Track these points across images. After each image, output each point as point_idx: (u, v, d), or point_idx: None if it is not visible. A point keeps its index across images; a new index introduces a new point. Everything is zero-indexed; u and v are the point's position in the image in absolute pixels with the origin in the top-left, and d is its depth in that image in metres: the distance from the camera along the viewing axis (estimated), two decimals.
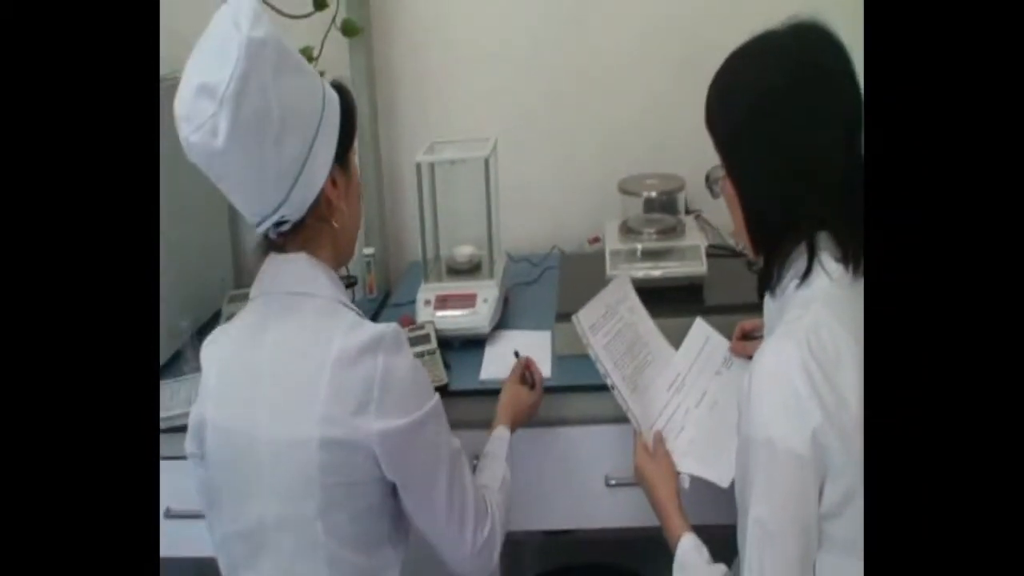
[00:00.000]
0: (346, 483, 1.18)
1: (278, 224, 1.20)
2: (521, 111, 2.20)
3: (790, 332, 1.13)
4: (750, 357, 1.35)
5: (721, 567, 1.23)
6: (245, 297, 1.96)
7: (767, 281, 1.22)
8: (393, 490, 1.23)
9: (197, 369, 1.79)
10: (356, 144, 1.29)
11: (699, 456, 1.39)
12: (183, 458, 1.63)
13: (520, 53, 2.18)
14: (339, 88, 1.24)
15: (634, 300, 1.61)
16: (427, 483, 1.21)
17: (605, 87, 2.18)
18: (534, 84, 2.19)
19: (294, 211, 1.19)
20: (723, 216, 2.00)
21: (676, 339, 1.58)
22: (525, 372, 1.59)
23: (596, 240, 2.10)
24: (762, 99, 1.16)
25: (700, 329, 1.58)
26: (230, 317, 1.91)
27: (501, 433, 1.47)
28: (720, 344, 1.57)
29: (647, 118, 2.17)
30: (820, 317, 1.13)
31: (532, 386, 1.58)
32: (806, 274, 1.16)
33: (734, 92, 1.21)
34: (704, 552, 1.26)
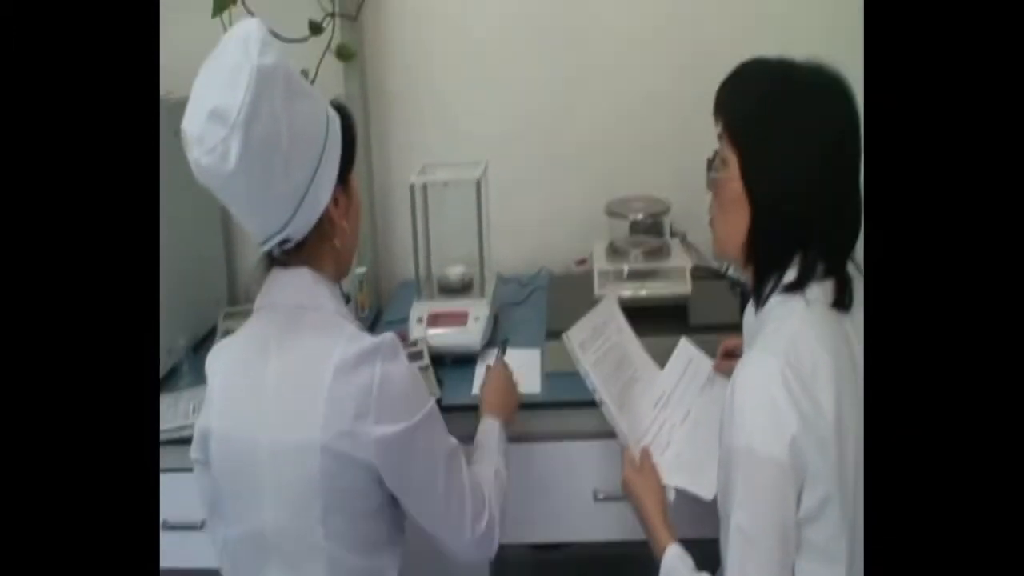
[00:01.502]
0: (346, 488, 1.22)
1: (282, 242, 1.24)
2: (509, 136, 2.25)
3: (769, 345, 1.19)
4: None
5: (705, 574, 1.28)
6: (241, 314, 2.01)
7: (759, 292, 1.26)
8: (392, 495, 1.27)
9: (193, 384, 1.84)
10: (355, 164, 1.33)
11: (684, 470, 1.44)
12: (180, 471, 1.67)
13: (509, 78, 2.23)
14: (340, 108, 1.29)
15: (621, 321, 1.66)
16: (425, 487, 1.26)
17: (592, 113, 2.24)
18: (522, 109, 2.24)
19: (298, 230, 1.23)
20: (707, 238, 2.08)
21: (661, 358, 1.63)
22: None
23: (583, 262, 2.15)
24: (804, 118, 1.20)
25: (684, 349, 1.63)
26: (226, 333, 1.95)
27: (490, 424, 1.49)
28: (704, 363, 1.62)
29: (633, 144, 2.23)
30: (798, 331, 1.19)
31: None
32: (794, 286, 1.21)
33: (775, 102, 1.22)
34: (689, 561, 1.30)
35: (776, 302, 1.23)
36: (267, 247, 1.25)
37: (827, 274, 1.23)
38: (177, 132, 1.32)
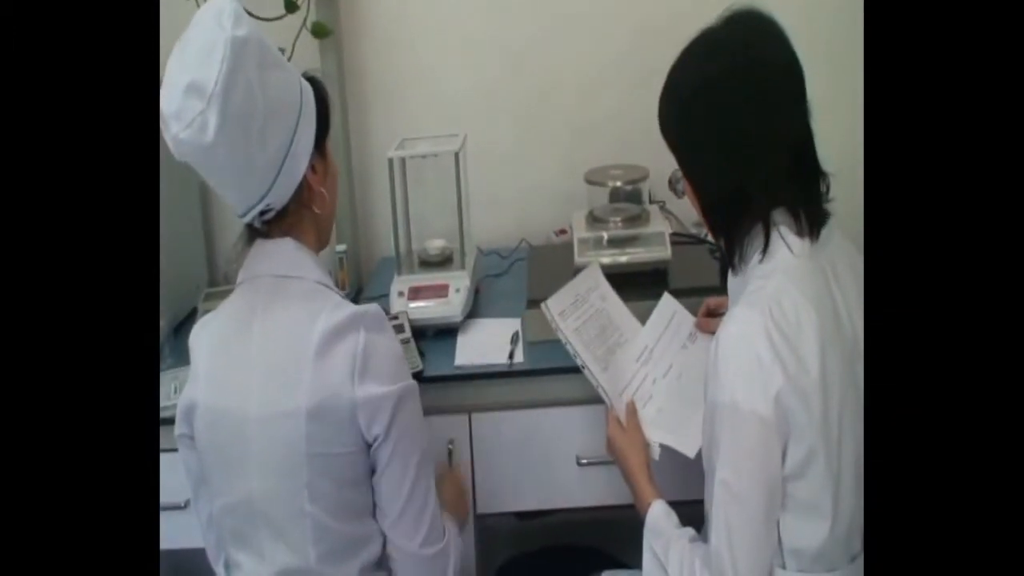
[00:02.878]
0: (331, 454, 1.23)
1: (263, 212, 1.25)
2: (486, 110, 2.24)
3: (753, 301, 1.19)
4: (714, 333, 1.42)
5: (689, 530, 1.29)
6: (221, 295, 2.00)
7: (730, 261, 1.28)
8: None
9: (174, 365, 1.83)
10: (331, 132, 1.34)
11: (667, 426, 1.45)
12: (163, 451, 1.67)
13: (485, 52, 2.23)
14: (311, 80, 1.30)
15: (605, 288, 1.67)
16: (403, 456, 1.26)
17: (569, 83, 2.24)
18: (499, 82, 2.24)
19: (278, 199, 1.24)
20: (685, 206, 2.09)
21: (643, 321, 1.63)
22: None
23: (563, 232, 2.16)
24: (699, 93, 1.22)
25: (667, 304, 1.64)
26: (205, 313, 1.95)
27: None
28: (686, 319, 1.62)
29: (610, 114, 2.22)
30: (781, 286, 1.19)
31: None
32: (765, 249, 1.22)
33: (676, 91, 1.26)
34: (674, 517, 1.32)
35: (757, 260, 1.24)
36: (248, 218, 1.26)
37: (804, 230, 1.23)
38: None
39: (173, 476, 1.68)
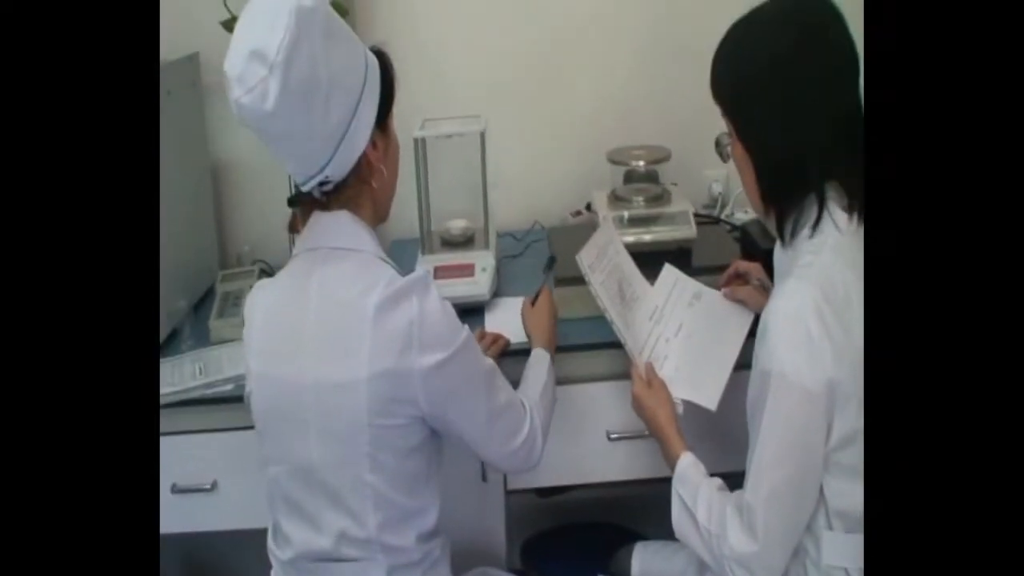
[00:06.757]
0: (391, 425, 1.25)
1: (322, 184, 1.25)
2: (502, 92, 2.25)
3: (804, 275, 1.23)
4: (741, 299, 1.54)
5: (717, 480, 1.35)
6: (240, 275, 2.00)
7: (781, 233, 1.31)
8: (433, 430, 1.30)
9: (196, 346, 1.83)
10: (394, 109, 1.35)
11: (686, 382, 1.51)
12: (188, 433, 1.67)
13: (502, 32, 2.24)
14: (379, 54, 1.31)
15: (618, 242, 1.72)
16: (470, 410, 1.30)
17: (580, 67, 2.25)
18: (516, 64, 2.25)
19: (337, 171, 1.25)
20: (697, 189, 2.13)
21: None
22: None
23: (579, 213, 2.17)
24: (767, 64, 1.26)
25: (669, 272, 1.70)
26: (224, 295, 1.95)
27: (541, 353, 1.56)
28: (688, 283, 1.68)
29: (623, 97, 2.25)
30: (831, 261, 1.23)
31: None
32: (817, 223, 1.26)
33: (740, 59, 1.30)
34: (701, 467, 1.37)
35: (807, 235, 1.28)
36: (307, 188, 1.26)
37: (855, 206, 1.27)
38: (171, 92, 1.27)
39: (199, 458, 1.69)
